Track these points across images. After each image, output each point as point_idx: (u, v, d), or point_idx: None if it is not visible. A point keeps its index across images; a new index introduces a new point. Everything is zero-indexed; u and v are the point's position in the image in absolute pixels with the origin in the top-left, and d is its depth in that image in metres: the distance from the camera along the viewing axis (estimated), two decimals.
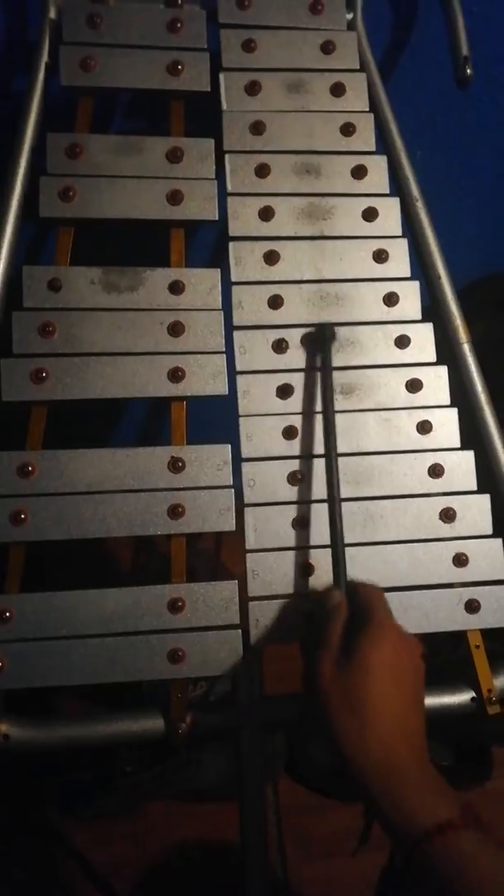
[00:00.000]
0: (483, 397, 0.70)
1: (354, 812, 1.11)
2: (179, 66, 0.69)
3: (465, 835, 0.46)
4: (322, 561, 0.64)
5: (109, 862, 1.02)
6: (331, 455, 0.63)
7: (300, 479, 0.65)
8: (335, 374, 0.67)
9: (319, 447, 0.65)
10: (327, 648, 0.54)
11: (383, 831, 0.49)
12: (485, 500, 0.67)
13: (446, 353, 0.70)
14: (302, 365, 0.67)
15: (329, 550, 0.62)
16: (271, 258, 0.68)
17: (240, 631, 0.62)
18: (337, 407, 0.66)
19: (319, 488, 0.64)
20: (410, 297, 0.70)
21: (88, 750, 0.61)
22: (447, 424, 0.68)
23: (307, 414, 0.66)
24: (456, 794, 0.49)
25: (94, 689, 0.60)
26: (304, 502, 0.65)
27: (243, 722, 0.62)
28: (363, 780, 0.49)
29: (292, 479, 0.65)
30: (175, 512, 0.63)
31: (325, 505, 0.63)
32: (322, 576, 0.64)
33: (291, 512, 0.65)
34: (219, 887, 0.97)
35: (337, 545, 0.60)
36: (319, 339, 0.67)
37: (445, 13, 0.75)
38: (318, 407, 0.66)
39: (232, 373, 0.66)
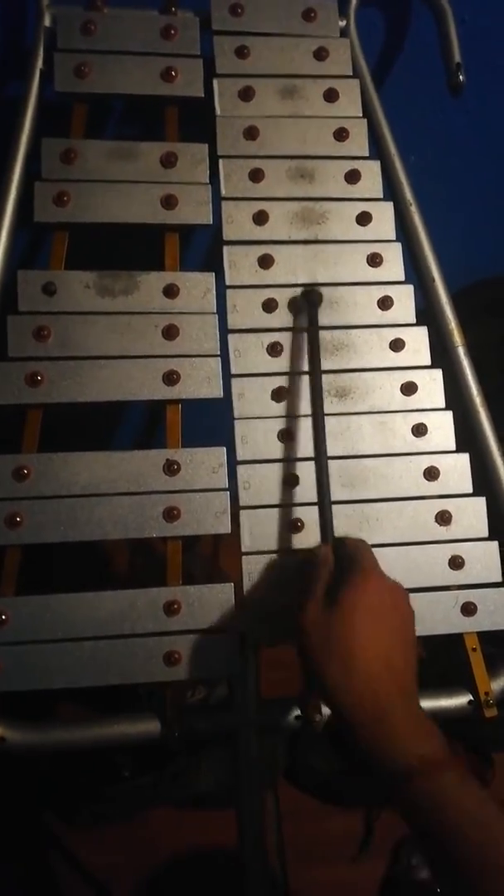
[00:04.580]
0: (478, 400, 0.70)
1: (355, 818, 1.12)
2: (173, 73, 0.70)
3: (449, 773, 0.46)
4: None
5: (108, 868, 1.02)
6: (318, 414, 0.62)
7: (295, 481, 0.65)
8: (329, 378, 0.67)
9: (313, 450, 0.65)
10: (312, 595, 0.54)
11: (370, 771, 0.49)
12: (480, 503, 0.67)
13: (441, 356, 0.71)
14: (296, 369, 0.67)
15: None
16: (265, 262, 0.68)
17: (236, 633, 0.62)
18: (332, 410, 0.66)
19: (314, 491, 0.64)
20: (405, 301, 0.70)
21: (85, 754, 0.61)
22: (442, 427, 0.68)
23: (301, 417, 0.66)
24: (444, 736, 0.49)
25: (88, 692, 0.60)
26: (299, 505, 0.65)
27: (240, 725, 0.62)
28: (349, 720, 0.49)
29: (287, 481, 0.65)
30: (170, 514, 0.63)
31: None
32: None
33: (286, 514, 0.65)
34: (219, 894, 0.96)
35: (324, 501, 0.60)
36: (307, 304, 0.67)
37: (438, 21, 0.75)
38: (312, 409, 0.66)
39: (227, 376, 0.66)
